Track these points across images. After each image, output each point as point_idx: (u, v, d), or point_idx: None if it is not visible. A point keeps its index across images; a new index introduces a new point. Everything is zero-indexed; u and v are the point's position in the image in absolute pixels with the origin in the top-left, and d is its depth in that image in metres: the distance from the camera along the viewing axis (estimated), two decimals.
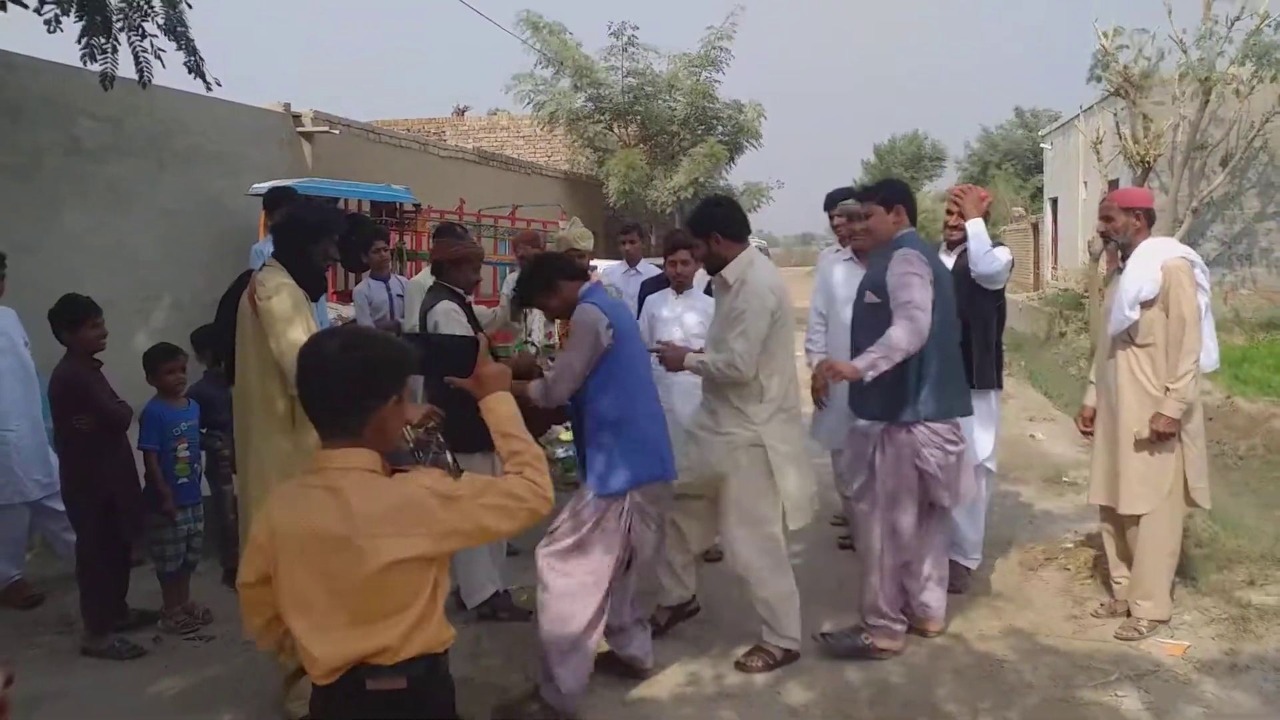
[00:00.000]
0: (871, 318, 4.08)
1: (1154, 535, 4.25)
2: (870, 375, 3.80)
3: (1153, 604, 4.25)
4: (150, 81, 5.54)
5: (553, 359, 5.12)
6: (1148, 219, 4.35)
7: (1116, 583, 4.52)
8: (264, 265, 3.67)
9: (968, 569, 4.90)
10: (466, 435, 4.15)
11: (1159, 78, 14.69)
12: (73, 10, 4.99)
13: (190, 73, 5.53)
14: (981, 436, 4.72)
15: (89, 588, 4.39)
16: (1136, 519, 4.29)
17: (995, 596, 4.80)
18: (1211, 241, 15.42)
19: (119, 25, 5.20)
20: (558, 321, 5.32)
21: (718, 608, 4.59)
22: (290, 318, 3.44)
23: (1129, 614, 4.32)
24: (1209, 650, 4.09)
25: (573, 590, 3.68)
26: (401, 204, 10.84)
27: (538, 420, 4.83)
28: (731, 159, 21.07)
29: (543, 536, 3.80)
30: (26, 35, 8.25)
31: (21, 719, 3.75)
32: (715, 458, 3.99)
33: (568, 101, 20.01)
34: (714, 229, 4.03)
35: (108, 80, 5.34)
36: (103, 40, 5.13)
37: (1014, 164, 34.66)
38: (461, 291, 4.51)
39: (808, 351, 5.51)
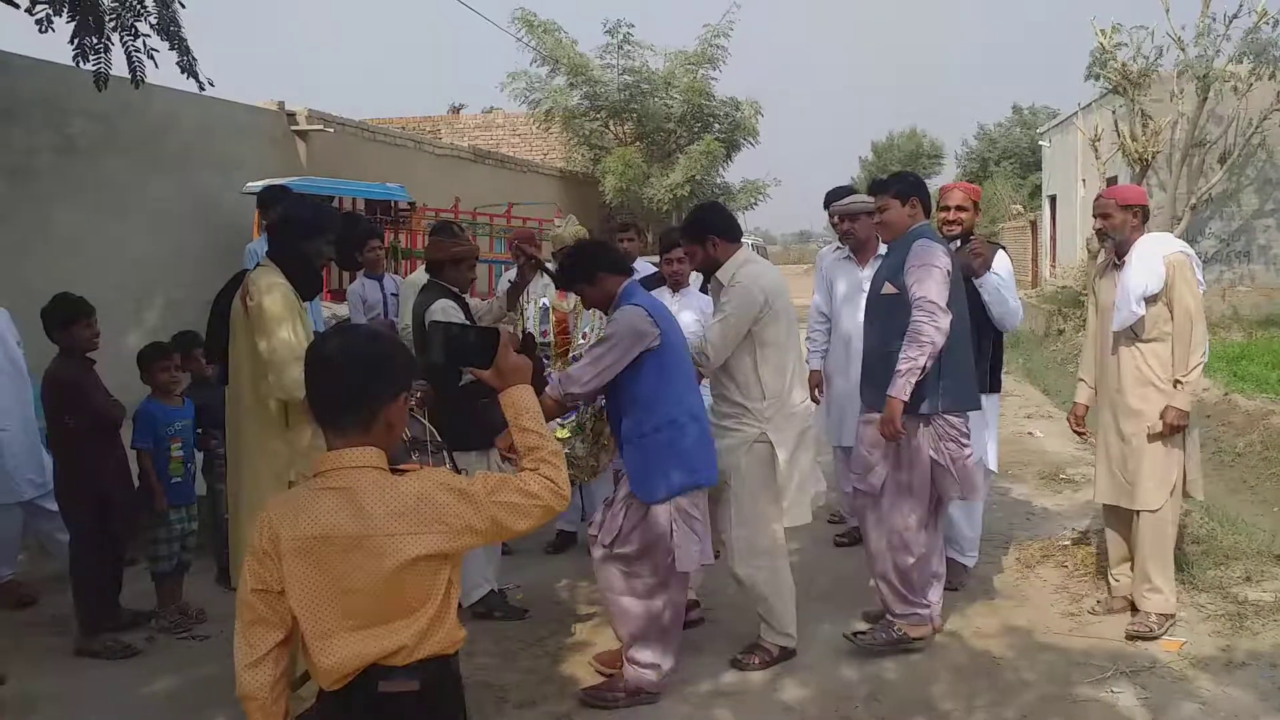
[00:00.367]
0: (886, 308, 4.06)
1: (1158, 530, 4.23)
2: (906, 394, 3.82)
3: (1162, 598, 4.22)
4: (143, 81, 5.52)
5: (546, 357, 5.11)
6: (1144, 216, 4.37)
7: (1115, 580, 4.50)
8: (257, 265, 3.65)
9: (965, 566, 4.89)
10: (462, 433, 4.17)
11: (1157, 75, 14.68)
12: (64, 10, 4.97)
13: (183, 72, 5.51)
14: (977, 437, 4.71)
15: (82, 587, 4.37)
16: (1136, 515, 4.28)
17: (992, 594, 4.79)
18: (1210, 239, 15.42)
19: (111, 25, 5.17)
20: (553, 318, 5.29)
21: (714, 605, 4.58)
22: (281, 318, 3.42)
23: (1134, 610, 4.29)
24: (1205, 647, 4.08)
25: (636, 590, 3.72)
26: (396, 202, 10.84)
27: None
28: (728, 157, 21.03)
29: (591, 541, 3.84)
30: (19, 35, 8.23)
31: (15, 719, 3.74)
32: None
33: (563, 99, 19.98)
34: (711, 232, 4.06)
35: (102, 80, 5.32)
36: (95, 40, 5.11)
37: (1012, 161, 34.62)
38: (456, 290, 4.50)
39: (811, 353, 5.54)
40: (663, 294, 5.37)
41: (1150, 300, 4.17)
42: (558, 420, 5.06)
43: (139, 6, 5.22)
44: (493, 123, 24.44)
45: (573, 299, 5.19)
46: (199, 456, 4.97)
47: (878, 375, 4.05)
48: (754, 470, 3.95)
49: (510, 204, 13.97)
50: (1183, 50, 14.08)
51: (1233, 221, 15.85)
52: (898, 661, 4.08)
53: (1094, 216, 4.51)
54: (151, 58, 5.40)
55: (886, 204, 4.18)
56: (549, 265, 5.16)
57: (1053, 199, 22.86)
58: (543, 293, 5.34)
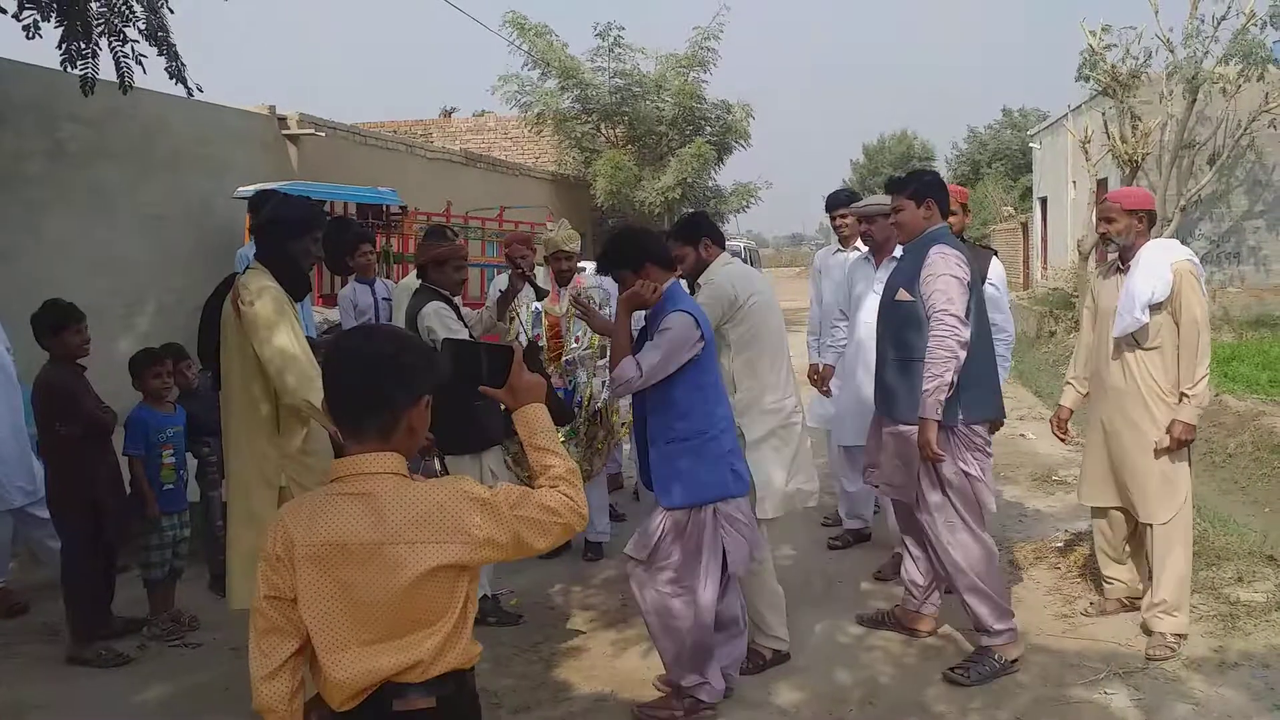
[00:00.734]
0: (898, 315, 3.99)
1: (1175, 545, 4.12)
2: (938, 412, 3.77)
3: (1175, 620, 4.11)
4: (131, 87, 5.50)
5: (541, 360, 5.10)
6: (1149, 220, 4.26)
7: (1108, 582, 4.50)
8: (247, 268, 3.63)
9: None
10: (457, 436, 4.17)
11: (1146, 77, 14.74)
12: (52, 15, 4.95)
13: (172, 78, 5.50)
14: None
15: (74, 595, 4.35)
16: (1149, 529, 4.17)
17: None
18: (1200, 240, 15.49)
19: (99, 30, 5.15)
20: (545, 322, 5.28)
21: None
22: (274, 323, 3.40)
23: (1147, 631, 4.17)
24: (1198, 647, 4.08)
25: (675, 600, 3.57)
26: (388, 206, 10.81)
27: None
28: (720, 159, 21.03)
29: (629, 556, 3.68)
30: (7, 40, 8.19)
31: None
32: None
33: (554, 102, 19.98)
34: (704, 234, 4.09)
35: (88, 85, 5.30)
36: (83, 45, 5.09)
37: (1003, 163, 34.72)
38: (447, 293, 4.47)
39: (827, 348, 5.62)
40: None
41: (1155, 308, 4.07)
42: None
43: (127, 12, 5.21)
44: (484, 126, 24.43)
45: (565, 302, 5.19)
46: (192, 463, 4.95)
47: (892, 383, 3.96)
48: None
49: (502, 207, 13.95)
50: (1171, 52, 14.14)
51: (1222, 223, 15.93)
52: (891, 664, 4.08)
53: (1097, 220, 4.44)
54: (140, 63, 5.39)
55: (901, 205, 4.08)
56: (535, 278, 5.18)
57: (1043, 201, 22.94)
58: (535, 296, 5.33)
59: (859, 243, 5.84)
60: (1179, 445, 4.07)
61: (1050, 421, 4.72)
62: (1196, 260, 4.22)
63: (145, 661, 4.31)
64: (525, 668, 4.14)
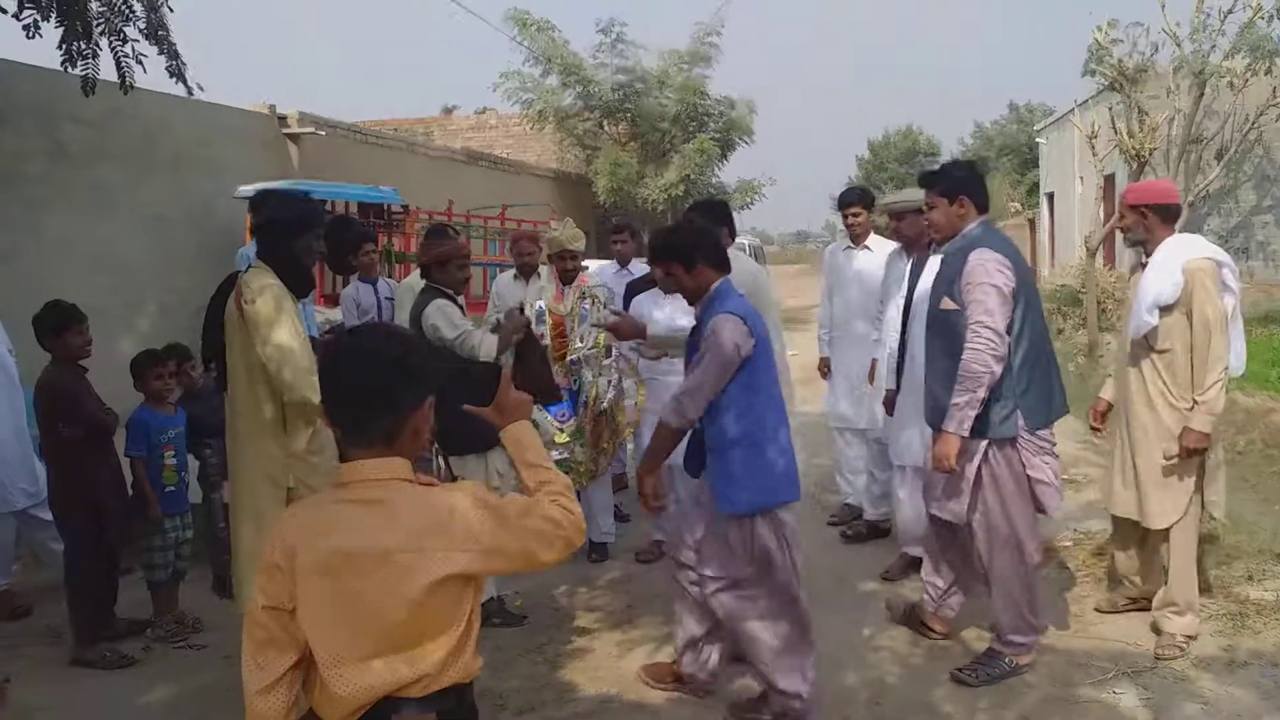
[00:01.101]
0: (950, 325, 3.80)
1: (1181, 549, 4.06)
2: (964, 429, 3.67)
3: (1185, 621, 4.06)
4: (132, 87, 5.49)
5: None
6: (1161, 215, 4.07)
7: (1122, 581, 4.46)
8: (249, 267, 3.62)
9: None
10: (459, 437, 4.14)
11: (1153, 71, 14.65)
12: (52, 15, 4.94)
13: (172, 77, 5.49)
14: None
15: (77, 597, 4.34)
16: (1161, 533, 4.11)
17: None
18: (1208, 235, 15.28)
19: (99, 30, 5.14)
20: (549, 321, 5.25)
21: None
22: (274, 320, 3.40)
23: (1157, 631, 4.14)
24: (1207, 646, 4.05)
25: (761, 613, 3.49)
26: (389, 205, 10.79)
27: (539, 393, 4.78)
28: (723, 156, 20.98)
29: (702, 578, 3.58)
30: (7, 40, 8.20)
31: None
32: None
33: (556, 99, 19.94)
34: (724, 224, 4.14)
35: (89, 85, 5.28)
36: (83, 45, 5.08)
37: (1009, 159, 34.66)
38: (451, 292, 4.46)
39: (874, 342, 5.53)
40: (657, 295, 5.34)
41: (1165, 310, 3.93)
42: (556, 425, 5.04)
43: (127, 11, 5.20)
44: (486, 124, 24.41)
45: (569, 301, 5.16)
46: (193, 464, 4.93)
47: (940, 394, 3.85)
48: None
49: (504, 206, 13.93)
50: (1179, 46, 14.05)
51: (1231, 218, 15.85)
52: (899, 665, 4.06)
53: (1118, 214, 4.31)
54: (140, 62, 5.37)
55: (933, 203, 3.94)
56: (540, 276, 5.21)
57: (1050, 196, 22.86)
58: (539, 295, 5.31)
59: (868, 240, 5.86)
60: (1189, 455, 3.93)
61: (1089, 412, 4.60)
62: (1224, 257, 4.03)
63: (149, 663, 4.30)
64: (530, 669, 4.12)
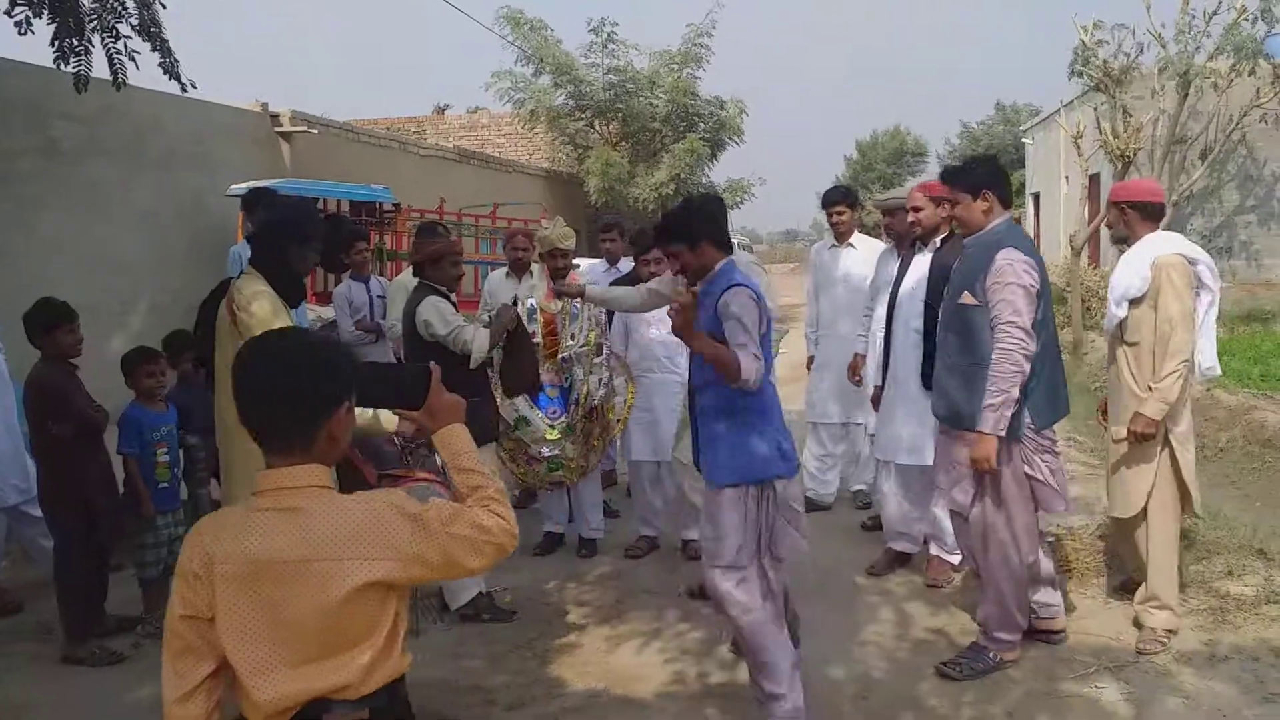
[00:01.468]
0: (966, 321, 3.85)
1: (1155, 543, 4.13)
2: (1001, 428, 3.69)
3: (1165, 615, 4.12)
4: (125, 83, 5.48)
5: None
6: (1141, 212, 4.16)
7: (1124, 571, 4.56)
8: (242, 273, 3.63)
9: (952, 564, 4.92)
10: None
11: (1138, 72, 14.75)
12: (45, 12, 4.94)
13: (165, 74, 5.48)
14: None
15: (67, 594, 4.35)
16: (1131, 524, 4.19)
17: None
18: (1192, 235, 15.45)
19: (92, 26, 5.14)
20: (540, 319, 5.28)
21: (701, 605, 4.59)
22: (268, 323, 3.41)
23: (1139, 625, 4.20)
24: (1188, 641, 4.11)
25: (756, 595, 3.45)
26: (381, 204, 10.80)
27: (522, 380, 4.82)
28: (713, 156, 21.03)
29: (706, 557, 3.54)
30: None
31: None
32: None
33: (548, 99, 19.95)
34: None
35: (82, 82, 5.28)
36: (75, 42, 5.07)
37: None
38: (444, 289, 4.50)
39: (859, 338, 5.65)
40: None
41: (1134, 303, 4.04)
42: (547, 422, 5.08)
43: (120, 8, 5.19)
44: (478, 123, 24.39)
45: (561, 300, 5.20)
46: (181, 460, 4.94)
47: (953, 389, 3.89)
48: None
49: (495, 204, 13.94)
50: (1163, 47, 14.15)
51: (1214, 218, 15.97)
52: (886, 660, 4.10)
53: None
54: (133, 59, 5.37)
55: (958, 198, 3.97)
56: (532, 273, 5.26)
57: (1036, 196, 22.98)
58: (530, 293, 5.34)
59: (852, 238, 5.96)
60: (1136, 439, 4.02)
61: (1097, 406, 4.67)
62: (1199, 255, 4.11)
63: (139, 660, 4.31)
64: (519, 664, 4.15)
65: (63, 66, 5.19)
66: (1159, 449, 4.07)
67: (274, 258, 3.55)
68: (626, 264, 6.13)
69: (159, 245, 9.47)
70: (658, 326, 5.45)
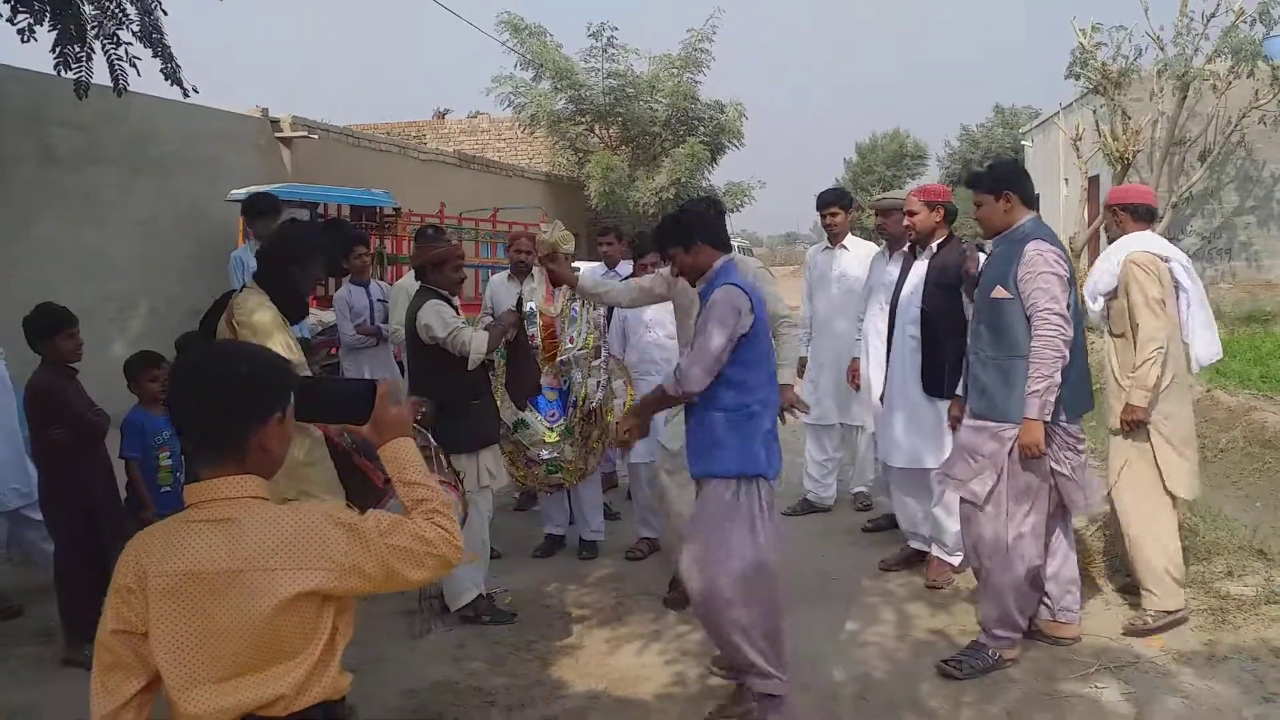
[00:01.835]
0: (999, 314, 3.91)
1: (1129, 523, 4.28)
2: (1046, 413, 3.75)
3: (1157, 596, 4.21)
4: (126, 89, 5.50)
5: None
6: (1131, 214, 4.37)
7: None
8: (244, 286, 3.67)
9: (952, 565, 4.92)
10: (453, 436, 4.18)
11: (1137, 74, 14.79)
12: (46, 19, 4.95)
13: (167, 80, 5.49)
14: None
15: (68, 597, 4.35)
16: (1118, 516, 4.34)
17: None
18: (1191, 236, 15.55)
19: (93, 33, 5.15)
20: (540, 322, 5.28)
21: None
22: (270, 332, 3.43)
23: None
24: (1188, 641, 4.11)
25: (734, 584, 3.47)
26: (382, 208, 10.82)
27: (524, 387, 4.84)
28: (713, 159, 21.07)
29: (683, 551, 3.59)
30: None
31: None
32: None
33: (548, 103, 19.99)
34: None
35: (82, 89, 5.29)
36: (77, 49, 5.09)
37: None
38: (446, 293, 4.51)
39: (854, 342, 5.70)
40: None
41: (1112, 297, 4.26)
42: (546, 425, 5.08)
43: (121, 15, 5.21)
44: (478, 127, 24.44)
45: (560, 302, 5.20)
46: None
47: (989, 383, 3.93)
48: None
49: (496, 209, 13.95)
50: (1161, 49, 14.19)
51: (1214, 219, 15.99)
52: (885, 660, 4.10)
53: None
54: (134, 65, 5.38)
55: (980, 200, 4.06)
56: (534, 276, 5.26)
57: (1036, 199, 22.96)
58: (529, 296, 5.34)
59: (846, 240, 5.98)
60: (1127, 427, 4.22)
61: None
62: (1173, 253, 4.30)
63: None
64: (519, 666, 4.15)
65: (64, 73, 5.20)
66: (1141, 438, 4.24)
67: (277, 276, 3.61)
68: (625, 267, 6.14)
69: (158, 251, 9.49)
70: (655, 329, 5.47)
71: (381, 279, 8.23)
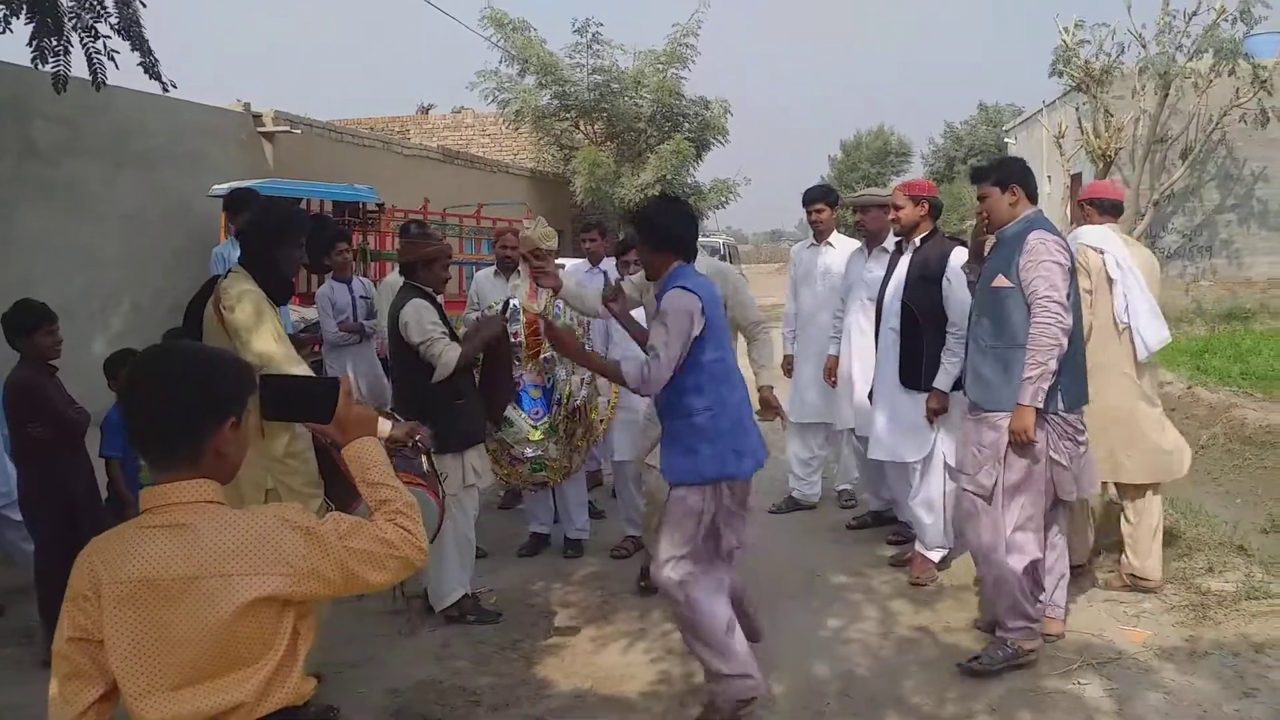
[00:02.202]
0: (999, 303, 3.93)
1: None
2: (1039, 400, 3.75)
3: (1133, 561, 4.61)
4: (104, 83, 5.44)
5: (517, 359, 5.09)
6: (1097, 208, 4.70)
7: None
8: (229, 272, 3.64)
9: (933, 561, 4.94)
10: (438, 436, 4.15)
11: (1119, 72, 14.88)
12: (23, 11, 4.89)
13: (146, 73, 5.43)
14: (945, 437, 4.79)
15: (48, 597, 4.30)
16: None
17: (961, 588, 4.83)
18: (1173, 234, 15.66)
19: (71, 25, 5.09)
20: (523, 319, 5.27)
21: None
22: (253, 326, 3.41)
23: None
24: (1169, 637, 4.14)
25: (704, 591, 3.50)
26: (365, 204, 10.75)
27: (499, 400, 4.81)
28: (698, 156, 21.07)
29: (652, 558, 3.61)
30: None
31: None
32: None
33: (533, 99, 19.94)
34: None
35: (60, 83, 5.23)
36: (54, 41, 5.02)
37: (978, 159, 35.03)
38: (430, 291, 4.49)
39: (831, 339, 5.76)
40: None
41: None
42: (530, 422, 5.07)
43: (99, 7, 5.15)
44: (462, 123, 24.34)
45: (543, 299, 5.19)
46: None
47: (988, 373, 3.95)
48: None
49: (480, 204, 13.90)
50: (1144, 47, 14.28)
51: (1195, 217, 16.11)
52: (868, 657, 4.12)
53: None
54: (113, 59, 5.32)
55: (986, 193, 4.07)
56: (520, 273, 5.24)
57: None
58: (512, 293, 5.33)
59: (831, 237, 6.01)
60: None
61: None
62: (1105, 245, 4.51)
63: None
64: (505, 665, 4.15)
65: (41, 66, 5.14)
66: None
67: (261, 257, 3.58)
68: (608, 265, 6.13)
69: (140, 245, 9.41)
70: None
71: (364, 275, 8.18)
